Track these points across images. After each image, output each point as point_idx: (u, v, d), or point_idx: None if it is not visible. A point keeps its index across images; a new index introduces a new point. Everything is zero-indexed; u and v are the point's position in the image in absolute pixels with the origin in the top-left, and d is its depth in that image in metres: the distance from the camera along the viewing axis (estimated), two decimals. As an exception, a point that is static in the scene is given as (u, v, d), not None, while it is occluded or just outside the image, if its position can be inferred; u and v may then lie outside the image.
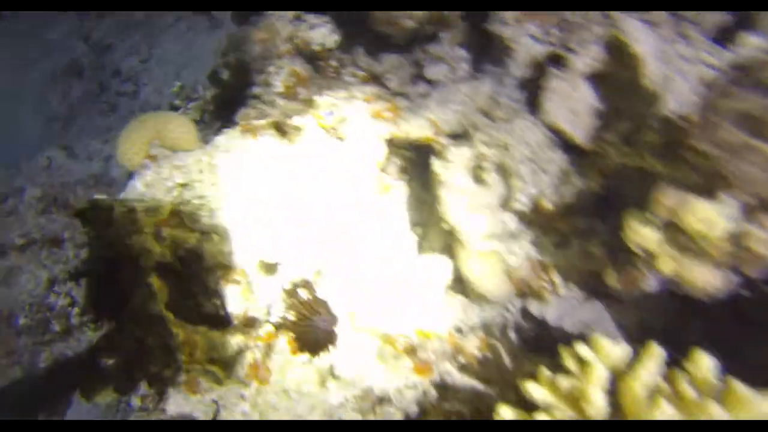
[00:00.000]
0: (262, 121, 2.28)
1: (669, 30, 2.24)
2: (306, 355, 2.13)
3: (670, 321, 2.18)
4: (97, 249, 1.97)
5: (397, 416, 2.02)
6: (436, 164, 2.28)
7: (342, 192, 2.20)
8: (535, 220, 2.20)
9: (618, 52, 2.06)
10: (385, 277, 2.17)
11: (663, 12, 2.28)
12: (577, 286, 2.22)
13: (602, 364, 1.54)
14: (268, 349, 2.12)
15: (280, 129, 2.20)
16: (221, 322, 2.20)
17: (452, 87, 2.53)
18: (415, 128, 2.29)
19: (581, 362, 1.59)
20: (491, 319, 2.32)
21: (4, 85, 6.15)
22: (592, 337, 1.63)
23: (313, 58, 2.84)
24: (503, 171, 2.22)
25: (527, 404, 1.61)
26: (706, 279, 1.58)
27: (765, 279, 1.70)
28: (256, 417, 2.03)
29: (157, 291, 1.95)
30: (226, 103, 3.98)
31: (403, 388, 2.09)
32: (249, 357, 2.07)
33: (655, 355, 1.45)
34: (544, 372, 1.63)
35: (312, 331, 2.17)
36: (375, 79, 2.83)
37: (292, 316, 2.20)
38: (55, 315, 3.82)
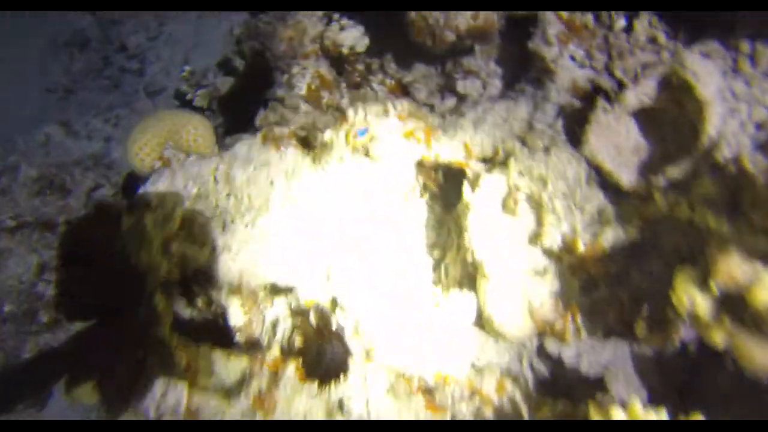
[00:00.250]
0: (285, 130, 2.13)
1: (723, 61, 2.11)
2: (314, 385, 2.01)
3: (695, 378, 2.08)
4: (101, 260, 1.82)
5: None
6: (466, 191, 2.15)
7: (365, 214, 2.06)
8: (564, 258, 2.08)
9: (674, 88, 1.92)
10: (403, 309, 2.05)
11: (715, 42, 2.15)
12: (602, 331, 2.11)
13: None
14: (275, 377, 2.00)
15: (306, 142, 2.05)
16: (227, 343, 2.07)
17: (486, 105, 2.39)
18: (448, 150, 2.15)
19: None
20: (510, 358, 2.22)
21: (4, 55, 5.88)
22: (630, 404, 1.52)
23: (340, 60, 2.69)
24: (536, 204, 2.09)
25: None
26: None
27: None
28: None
29: (162, 312, 1.81)
30: (240, 98, 3.81)
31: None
32: (254, 385, 1.94)
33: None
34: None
35: (323, 360, 2.05)
36: (403, 88, 2.69)
37: (302, 342, 2.08)
38: (44, 304, 3.67)
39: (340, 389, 1.98)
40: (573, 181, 2.06)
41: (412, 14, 2.33)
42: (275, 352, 2.09)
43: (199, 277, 1.93)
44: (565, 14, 2.38)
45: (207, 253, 1.98)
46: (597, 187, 2.06)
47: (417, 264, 2.12)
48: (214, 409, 1.86)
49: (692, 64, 1.81)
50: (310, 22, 2.62)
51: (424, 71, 2.64)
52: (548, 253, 2.09)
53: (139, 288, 1.87)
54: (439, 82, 2.74)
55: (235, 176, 2.01)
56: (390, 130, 1.99)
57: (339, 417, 1.98)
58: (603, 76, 2.33)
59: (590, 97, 2.25)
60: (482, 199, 2.10)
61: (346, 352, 2.01)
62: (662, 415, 1.38)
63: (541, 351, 2.25)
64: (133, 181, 2.15)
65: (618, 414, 1.53)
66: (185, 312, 2.15)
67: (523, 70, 2.55)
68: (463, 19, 2.26)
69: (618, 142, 2.05)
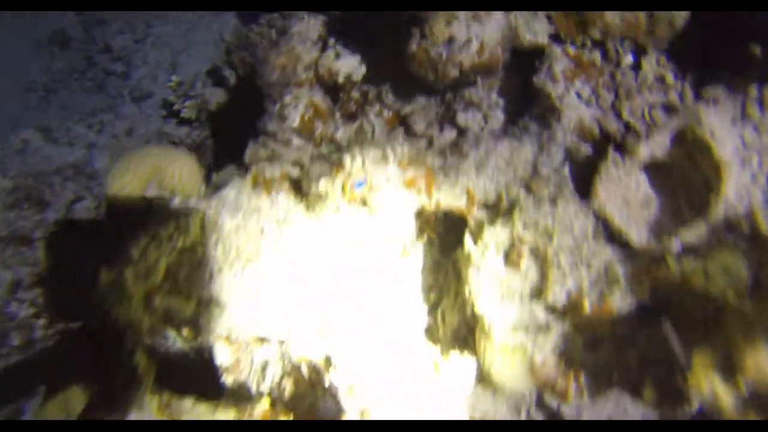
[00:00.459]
0: (277, 172, 2.00)
1: (732, 107, 2.02)
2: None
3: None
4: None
5: None
6: (467, 242, 2.04)
7: (361, 264, 1.95)
8: (569, 316, 1.99)
9: (689, 143, 1.83)
10: (400, 365, 1.95)
11: (723, 86, 2.06)
12: (605, 391, 2.03)
13: None
14: (263, 436, 1.89)
15: (299, 187, 1.92)
16: (214, 396, 1.96)
17: (489, 144, 2.27)
18: (449, 198, 2.05)
19: None
20: (507, 412, 2.13)
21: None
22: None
23: (335, 88, 2.55)
24: (541, 258, 2.00)
25: None
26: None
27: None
28: None
29: (143, 374, 1.69)
30: (230, 113, 3.65)
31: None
32: (241, 447, 1.83)
33: None
34: None
35: (314, 416, 1.95)
36: (401, 119, 2.56)
37: (292, 395, 1.98)
38: (17, 326, 3.49)
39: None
40: (580, 235, 1.97)
41: (413, 47, 2.21)
42: (264, 404, 1.99)
43: (185, 331, 1.81)
44: (572, 50, 2.27)
45: (193, 306, 1.85)
46: (605, 241, 1.97)
47: (415, 317, 2.02)
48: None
49: (710, 121, 1.71)
50: (304, 48, 2.48)
51: (424, 103, 2.51)
52: (552, 309, 2.00)
53: (118, 345, 1.74)
54: (439, 111, 2.62)
55: (223, 223, 1.88)
56: (389, 178, 1.88)
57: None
58: (610, 116, 2.24)
59: (598, 141, 2.16)
60: (484, 250, 2.00)
61: (340, 411, 1.91)
62: None
63: (540, 402, 2.18)
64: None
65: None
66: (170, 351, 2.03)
67: (527, 104, 2.44)
68: (468, 55, 2.14)
69: (627, 195, 1.96)
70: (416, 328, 2.02)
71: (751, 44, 1.85)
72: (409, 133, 2.54)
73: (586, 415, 2.17)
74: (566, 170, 2.14)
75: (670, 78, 2.17)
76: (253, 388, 2.04)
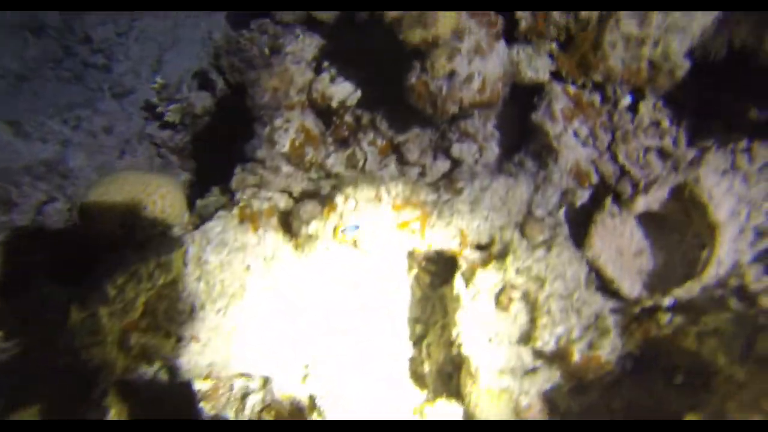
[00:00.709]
0: (264, 205, 1.92)
1: (723, 157, 2.03)
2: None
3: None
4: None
5: None
6: (457, 283, 2.01)
7: (353, 306, 1.89)
8: (556, 362, 1.98)
9: (685, 199, 1.82)
10: (387, 408, 1.91)
11: (713, 139, 2.07)
12: (590, 436, 2.03)
13: None
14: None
15: (288, 224, 1.85)
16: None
17: (484, 180, 2.23)
18: (442, 238, 2.00)
19: None
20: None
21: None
22: None
23: (327, 113, 2.47)
24: (531, 304, 1.97)
25: None
26: None
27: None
28: None
29: (115, 417, 1.60)
30: (217, 120, 3.53)
31: None
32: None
33: None
34: None
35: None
36: (394, 148, 2.50)
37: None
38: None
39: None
40: (572, 283, 1.95)
41: (413, 79, 2.14)
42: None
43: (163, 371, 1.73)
44: (572, 89, 2.24)
45: (173, 343, 1.77)
46: (596, 290, 1.95)
47: (406, 357, 1.98)
48: None
49: (708, 183, 1.71)
50: (298, 69, 2.39)
51: (418, 132, 2.46)
52: (540, 355, 1.98)
53: (88, 387, 1.65)
54: (433, 138, 2.56)
55: (207, 260, 1.80)
56: (382, 221, 1.82)
57: None
58: (606, 158, 2.22)
59: (594, 185, 2.14)
60: (475, 294, 1.97)
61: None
62: None
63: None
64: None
65: None
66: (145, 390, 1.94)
67: (523, 137, 2.41)
68: (469, 93, 2.09)
69: (621, 244, 1.95)
70: (405, 370, 1.97)
71: (746, 105, 1.85)
72: (402, 161, 2.49)
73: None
74: (561, 214, 2.11)
75: (665, 123, 2.17)
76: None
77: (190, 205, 2.29)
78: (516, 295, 1.96)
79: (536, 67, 2.22)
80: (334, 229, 1.76)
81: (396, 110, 2.49)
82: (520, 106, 2.41)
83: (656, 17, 1.87)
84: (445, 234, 2.00)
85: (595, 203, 2.03)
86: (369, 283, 1.84)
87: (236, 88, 3.66)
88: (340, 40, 2.54)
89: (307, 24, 2.94)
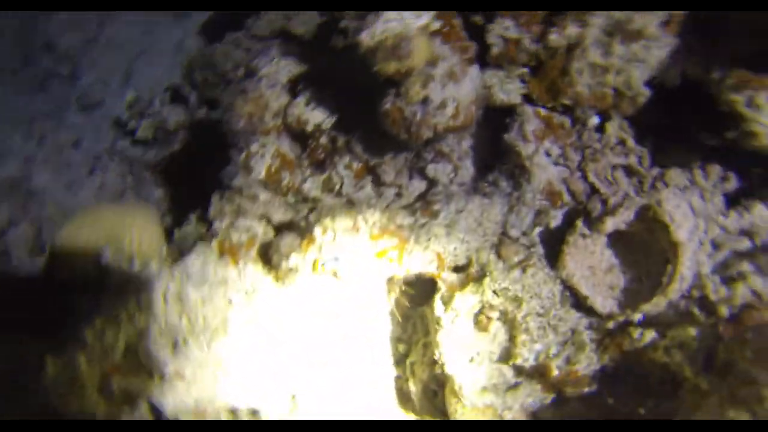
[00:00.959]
0: (244, 237, 1.93)
1: (682, 175, 2.14)
2: None
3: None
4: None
5: None
6: (437, 305, 2.06)
7: (334, 336, 1.92)
8: (536, 377, 2.06)
9: (649, 220, 1.91)
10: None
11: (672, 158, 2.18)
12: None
13: None
14: None
15: (268, 257, 1.87)
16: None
17: (459, 201, 2.28)
18: (420, 263, 2.05)
19: None
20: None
21: None
22: None
23: (302, 137, 2.48)
24: (509, 323, 2.04)
25: None
26: None
27: None
28: None
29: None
30: (192, 138, 3.49)
31: None
32: None
33: None
34: None
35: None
36: (370, 170, 2.53)
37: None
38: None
39: None
40: (547, 301, 2.03)
41: (387, 105, 2.17)
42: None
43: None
44: (543, 111, 2.31)
45: (156, 381, 1.77)
46: (571, 307, 2.03)
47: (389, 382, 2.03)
48: None
49: (670, 205, 1.80)
50: (273, 92, 2.39)
51: (393, 153, 2.49)
52: (520, 371, 2.05)
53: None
54: (408, 157, 2.60)
55: (187, 296, 1.80)
56: (361, 250, 1.85)
57: None
58: (576, 176, 2.30)
59: (566, 205, 2.22)
60: (454, 318, 2.02)
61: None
62: None
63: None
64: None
65: None
66: None
67: (496, 156, 2.47)
68: (443, 118, 2.13)
69: (593, 262, 2.04)
70: (390, 395, 2.02)
71: (698, 128, 1.97)
72: (378, 182, 2.52)
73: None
74: (535, 234, 2.18)
75: (630, 143, 2.26)
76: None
77: (167, 233, 2.28)
78: (494, 315, 2.03)
79: (508, 90, 2.28)
80: (314, 263, 1.79)
81: (371, 133, 2.52)
82: (493, 126, 2.47)
83: (618, 48, 1.95)
84: (423, 258, 2.05)
85: (568, 222, 2.10)
86: (349, 312, 1.88)
87: (210, 102, 3.61)
88: (315, 63, 2.54)
89: (282, 38, 2.93)
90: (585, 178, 2.29)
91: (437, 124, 2.13)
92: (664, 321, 1.86)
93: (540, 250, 2.13)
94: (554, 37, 2.11)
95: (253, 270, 1.85)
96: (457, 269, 2.14)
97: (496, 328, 2.06)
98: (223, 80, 3.50)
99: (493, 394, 2.06)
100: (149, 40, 4.74)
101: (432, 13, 2.15)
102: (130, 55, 4.68)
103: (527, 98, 2.30)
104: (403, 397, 2.24)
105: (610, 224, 1.93)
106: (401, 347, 2.38)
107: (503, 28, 2.21)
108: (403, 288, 2.08)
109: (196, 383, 1.82)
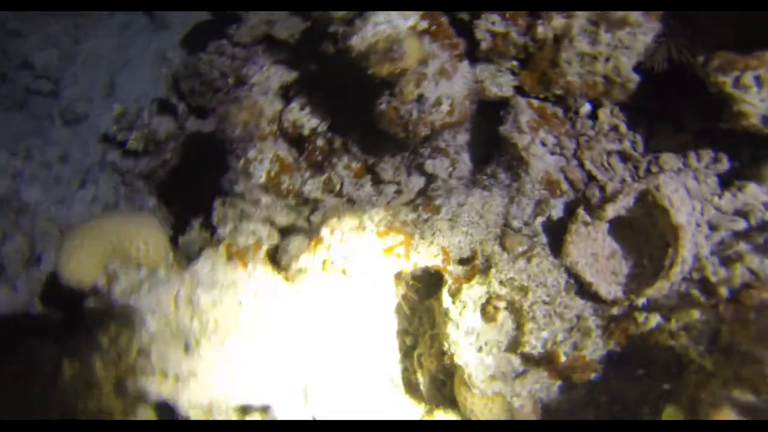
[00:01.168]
0: (251, 240, 1.94)
1: (676, 158, 2.19)
2: None
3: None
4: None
5: None
6: (444, 298, 2.09)
7: (344, 330, 1.94)
8: (544, 364, 2.09)
9: (649, 204, 1.96)
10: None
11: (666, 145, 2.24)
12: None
13: None
14: None
15: (276, 259, 1.87)
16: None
17: (459, 195, 2.32)
18: (426, 258, 2.07)
19: None
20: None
21: None
22: None
23: (299, 141, 2.49)
24: (516, 312, 2.08)
25: None
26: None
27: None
28: None
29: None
30: (184, 147, 3.47)
31: None
32: None
33: None
34: None
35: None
36: (369, 169, 2.55)
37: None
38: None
39: None
40: (553, 289, 2.06)
41: (383, 106, 2.20)
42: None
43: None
44: (535, 102, 2.36)
45: (171, 383, 1.77)
46: (576, 294, 2.07)
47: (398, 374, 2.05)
48: None
49: (668, 190, 1.85)
50: (266, 100, 2.39)
51: (391, 151, 2.51)
52: (528, 359, 2.09)
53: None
54: (405, 154, 2.63)
55: (198, 300, 1.81)
56: (368, 248, 1.87)
57: None
58: (573, 164, 2.34)
59: (566, 193, 2.26)
60: (462, 309, 2.05)
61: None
62: None
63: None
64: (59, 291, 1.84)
65: None
66: None
67: (492, 148, 2.50)
68: (440, 116, 2.16)
69: (595, 249, 2.08)
70: (400, 387, 2.04)
71: (687, 111, 2.02)
72: (378, 180, 2.54)
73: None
74: (537, 223, 2.22)
75: (623, 128, 2.30)
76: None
77: (172, 240, 2.27)
78: (501, 305, 2.06)
79: (500, 83, 2.31)
80: (323, 262, 1.80)
81: (367, 133, 2.54)
82: (487, 118, 2.51)
83: (605, 36, 2.00)
84: (429, 253, 2.07)
85: (568, 211, 2.14)
86: (358, 308, 1.89)
87: (199, 111, 3.60)
88: (304, 68, 2.55)
89: (266, 44, 2.93)
90: (582, 165, 2.33)
91: (434, 121, 2.16)
92: (668, 306, 1.90)
93: (543, 239, 2.17)
94: (541, 29, 2.15)
95: (263, 271, 1.86)
96: (462, 262, 2.16)
97: (504, 317, 2.09)
98: (210, 88, 3.49)
99: (501, 382, 2.09)
100: (129, 52, 4.71)
101: (418, 13, 2.17)
102: (110, 69, 4.65)
103: (519, 90, 2.34)
104: (411, 388, 2.26)
105: (611, 211, 1.97)
106: (408, 340, 2.39)
107: (490, 23, 2.25)
108: (410, 282, 2.10)
109: (209, 382, 1.82)
